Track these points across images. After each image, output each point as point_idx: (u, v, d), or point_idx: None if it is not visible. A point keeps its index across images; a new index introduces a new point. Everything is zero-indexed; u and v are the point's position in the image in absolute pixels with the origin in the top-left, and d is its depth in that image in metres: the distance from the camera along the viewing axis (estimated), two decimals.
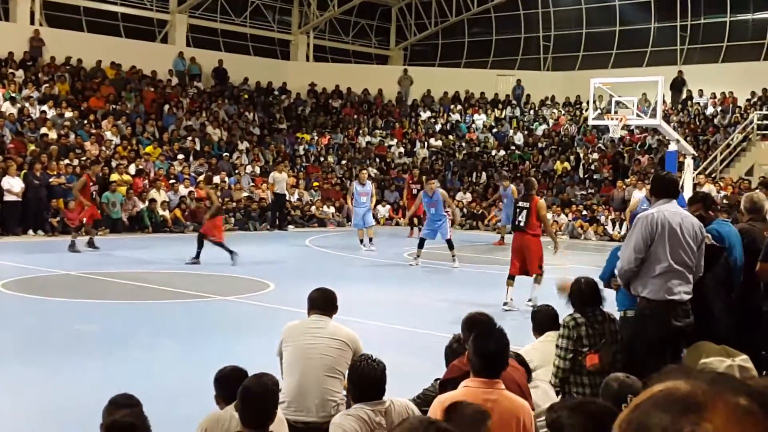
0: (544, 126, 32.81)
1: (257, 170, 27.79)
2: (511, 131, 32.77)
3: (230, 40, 34.39)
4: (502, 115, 34.16)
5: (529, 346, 6.21)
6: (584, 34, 35.18)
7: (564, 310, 6.12)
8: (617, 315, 6.38)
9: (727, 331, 6.23)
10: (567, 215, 25.68)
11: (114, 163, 23.57)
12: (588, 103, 23.48)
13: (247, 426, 4.22)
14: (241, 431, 4.19)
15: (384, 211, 27.41)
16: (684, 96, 31.50)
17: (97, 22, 30.46)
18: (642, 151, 28.46)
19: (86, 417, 4.83)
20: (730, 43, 31.91)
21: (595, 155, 29.38)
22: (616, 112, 21.36)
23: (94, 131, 25.21)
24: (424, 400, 5.11)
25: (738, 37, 31.84)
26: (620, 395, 3.88)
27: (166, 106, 28.69)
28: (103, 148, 24.48)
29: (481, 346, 4.15)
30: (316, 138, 31.90)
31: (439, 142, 32.64)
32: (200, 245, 16.14)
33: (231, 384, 4.57)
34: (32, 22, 28.25)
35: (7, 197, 20.25)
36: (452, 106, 34.96)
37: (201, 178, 21.78)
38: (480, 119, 34.04)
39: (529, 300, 11.73)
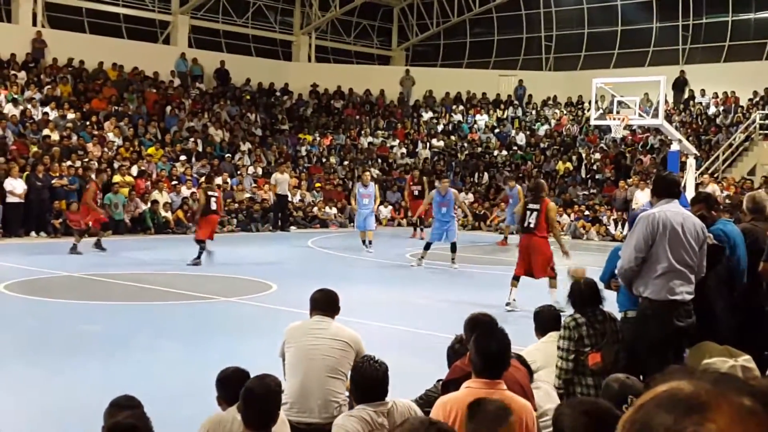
0: (546, 126, 32.80)
1: (259, 171, 27.80)
2: (513, 131, 32.76)
3: (232, 41, 34.42)
4: (504, 116, 34.15)
5: (531, 347, 6.20)
6: (586, 34, 35.17)
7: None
8: (618, 316, 6.38)
9: (729, 331, 6.22)
10: (569, 215, 25.67)
11: (116, 165, 23.59)
12: (590, 103, 23.46)
13: (250, 427, 4.22)
14: None
15: (386, 211, 27.41)
16: (686, 96, 31.47)
17: (99, 24, 30.50)
18: (644, 151, 28.44)
19: (88, 418, 4.83)
20: (732, 42, 31.89)
21: (597, 155, 29.36)
22: (618, 112, 21.35)
23: (96, 133, 25.23)
24: (426, 401, 5.10)
25: (740, 37, 31.81)
26: (621, 396, 3.88)
27: (168, 108, 28.71)
28: (106, 149, 24.51)
29: (482, 347, 4.15)
30: (318, 139, 31.91)
31: (441, 143, 32.63)
32: (201, 246, 16.24)
33: (233, 385, 4.57)
34: (34, 24, 28.29)
35: (10, 199, 20.27)
36: (454, 107, 34.96)
37: (202, 179, 21.80)
38: (482, 119, 34.03)
39: (557, 302, 11.65)
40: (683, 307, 5.98)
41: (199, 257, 16.18)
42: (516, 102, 34.82)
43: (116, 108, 27.23)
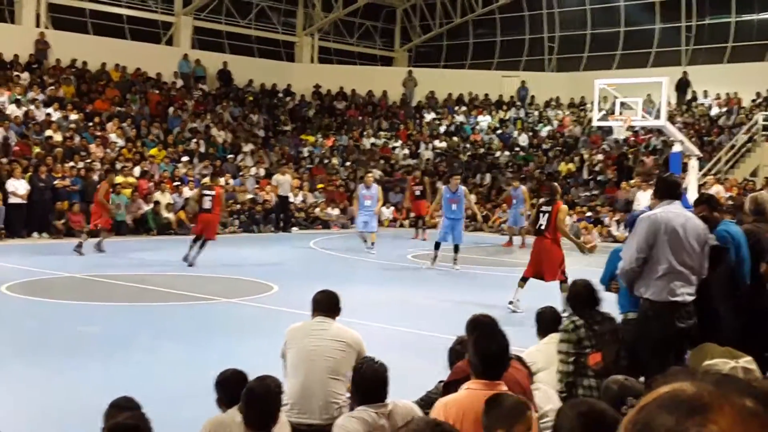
0: (549, 127, 32.79)
1: (261, 172, 27.80)
2: (516, 133, 32.76)
3: (235, 42, 34.45)
4: (507, 117, 34.15)
5: (532, 348, 6.21)
6: (589, 35, 35.16)
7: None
8: (619, 318, 6.38)
9: (732, 332, 6.21)
10: (571, 216, 25.63)
11: (119, 166, 23.60)
12: (592, 104, 23.44)
13: (251, 428, 4.24)
14: None
15: (388, 212, 27.41)
16: (689, 97, 31.45)
17: (102, 25, 30.54)
18: (647, 152, 28.42)
19: (89, 419, 4.82)
20: (734, 43, 31.87)
21: (600, 156, 29.35)
22: (620, 113, 21.32)
23: (99, 133, 25.26)
24: (427, 402, 5.09)
25: (743, 38, 31.79)
26: (620, 397, 3.87)
27: (171, 108, 28.75)
28: (108, 150, 24.54)
29: (482, 348, 4.15)
30: (320, 140, 31.93)
31: (444, 144, 32.64)
32: (201, 246, 16.23)
33: (232, 387, 4.58)
34: (37, 25, 28.34)
35: (12, 200, 20.29)
36: (457, 108, 34.97)
37: (206, 180, 21.78)
38: (484, 120, 34.03)
39: (564, 311, 11.60)
40: (684, 309, 5.98)
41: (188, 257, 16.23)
42: (518, 103, 34.82)
43: (119, 109, 27.27)
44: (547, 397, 5.11)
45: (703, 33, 32.70)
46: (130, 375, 7.98)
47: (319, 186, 28.27)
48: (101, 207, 18.06)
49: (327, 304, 5.88)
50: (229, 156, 27.71)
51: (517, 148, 31.68)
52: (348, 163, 30.75)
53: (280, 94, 33.88)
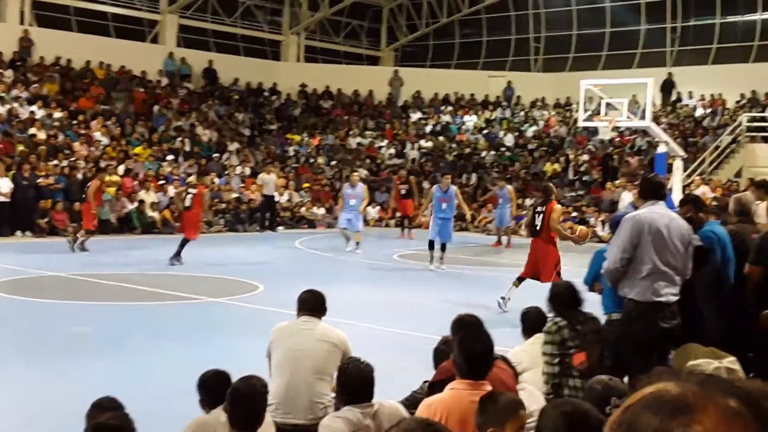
0: (535, 127, 32.86)
1: (247, 171, 27.74)
2: (502, 132, 32.80)
3: (220, 40, 34.34)
4: (493, 117, 34.20)
5: (517, 348, 6.22)
6: (574, 35, 35.27)
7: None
8: (603, 319, 6.40)
9: (716, 332, 6.25)
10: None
11: (103, 164, 23.47)
12: (578, 104, 23.51)
13: (236, 428, 4.23)
14: None
15: (374, 212, 27.40)
16: (673, 98, 31.62)
17: (86, 22, 30.36)
18: (632, 153, 28.54)
19: (72, 419, 4.78)
20: (719, 45, 32.05)
21: (585, 157, 29.45)
22: (606, 114, 21.40)
23: (83, 132, 25.13)
24: (412, 402, 5.09)
25: (727, 39, 31.98)
26: (604, 397, 3.88)
27: (156, 107, 28.64)
28: (92, 148, 24.42)
29: (467, 348, 4.15)
30: (306, 139, 31.90)
31: (430, 144, 32.66)
32: (181, 245, 16.19)
33: (214, 387, 4.57)
34: (22, 22, 28.16)
35: None
36: (443, 108, 35.00)
37: (191, 178, 21.75)
38: (470, 120, 34.08)
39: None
40: (668, 309, 6.01)
41: (177, 256, 16.16)
42: (504, 103, 34.88)
43: (103, 107, 27.14)
44: (532, 396, 5.12)
45: (688, 34, 32.87)
46: (116, 374, 7.94)
47: (305, 185, 28.24)
48: (91, 206, 18.05)
49: (313, 304, 5.88)
50: (215, 155, 27.63)
51: (503, 148, 31.73)
52: (334, 163, 30.73)
53: (266, 93, 33.81)
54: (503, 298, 11.87)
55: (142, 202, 22.75)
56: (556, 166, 29.47)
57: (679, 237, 6.03)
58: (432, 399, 4.18)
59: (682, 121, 30.33)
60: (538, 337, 6.02)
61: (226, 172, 26.94)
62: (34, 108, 24.87)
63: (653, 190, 6.32)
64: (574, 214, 25.78)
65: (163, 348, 9.47)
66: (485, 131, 33.23)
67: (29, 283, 13.71)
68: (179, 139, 27.40)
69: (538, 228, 11.90)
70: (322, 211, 27.03)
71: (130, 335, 10.08)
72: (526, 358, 5.93)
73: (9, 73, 26.27)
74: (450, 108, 34.97)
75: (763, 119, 28.23)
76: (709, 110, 30.33)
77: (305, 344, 5.61)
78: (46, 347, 9.25)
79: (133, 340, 9.75)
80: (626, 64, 32.53)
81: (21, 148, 22.60)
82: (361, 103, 35.42)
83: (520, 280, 12.09)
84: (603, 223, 24.72)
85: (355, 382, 4.52)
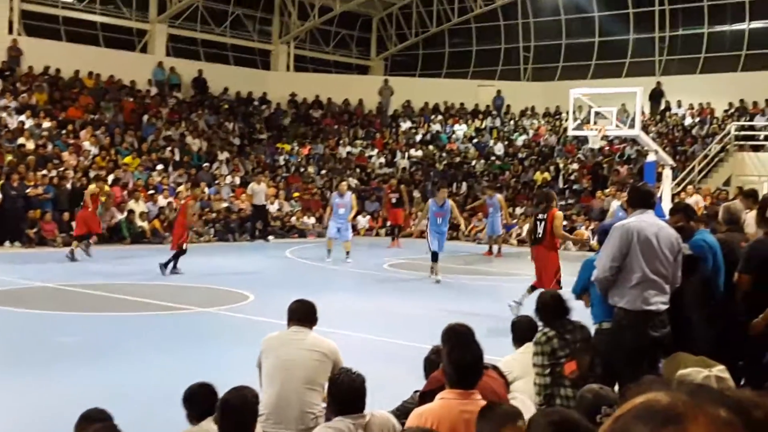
0: (524, 136, 32.95)
1: (237, 181, 27.70)
2: (492, 141, 32.88)
3: (210, 49, 34.33)
4: (483, 126, 34.28)
5: (508, 357, 6.22)
6: (564, 45, 35.40)
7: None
8: (593, 328, 6.41)
9: (705, 341, 6.25)
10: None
11: (92, 174, 23.39)
12: (568, 113, 23.59)
13: None
14: None
15: (364, 221, 27.39)
16: (662, 107, 31.76)
17: (75, 32, 30.31)
18: (621, 162, 28.64)
19: (58, 430, 4.76)
20: (707, 54, 32.23)
21: (575, 166, 29.54)
22: (595, 123, 21.48)
23: (72, 141, 25.05)
24: (403, 412, 5.08)
25: (715, 49, 32.17)
26: (595, 406, 3.88)
27: (146, 116, 28.57)
28: (82, 158, 24.33)
29: (457, 358, 4.15)
30: (296, 148, 31.89)
31: (420, 153, 32.69)
32: (175, 255, 16.17)
33: (200, 400, 4.56)
34: (10, 32, 28.08)
35: None
36: (433, 117, 35.05)
37: (182, 188, 21.74)
38: (460, 129, 34.14)
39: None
40: (658, 318, 6.01)
41: (175, 265, 16.14)
42: (494, 112, 34.97)
43: (92, 117, 27.07)
44: (524, 406, 5.11)
45: (676, 44, 33.05)
46: (104, 385, 7.89)
47: (295, 195, 28.21)
48: (92, 214, 18.20)
49: (303, 314, 5.86)
50: (205, 164, 27.58)
51: (493, 157, 31.80)
52: (324, 172, 30.72)
53: (256, 103, 33.80)
54: (515, 300, 11.82)
55: (131, 212, 22.66)
56: (546, 174, 29.53)
57: (668, 246, 6.04)
58: (422, 408, 4.17)
59: (671, 129, 30.48)
60: (529, 347, 6.02)
61: (216, 182, 26.89)
62: (22, 118, 24.78)
63: (642, 199, 6.34)
64: (564, 222, 25.81)
65: (152, 358, 9.43)
66: (475, 140, 33.29)
67: (19, 294, 13.62)
68: (169, 148, 27.35)
69: (540, 236, 11.90)
70: (312, 220, 27.00)
71: (120, 346, 10.02)
72: (516, 367, 5.93)
73: None
74: (440, 117, 35.04)
75: (751, 128, 28.41)
76: (697, 119, 30.48)
77: (296, 354, 5.60)
78: (35, 358, 9.20)
79: (122, 351, 9.70)
80: (615, 74, 32.67)
81: (9, 158, 22.49)
82: (351, 112, 35.44)
83: (533, 288, 12.01)
84: (593, 232, 24.77)
85: (346, 392, 4.50)
